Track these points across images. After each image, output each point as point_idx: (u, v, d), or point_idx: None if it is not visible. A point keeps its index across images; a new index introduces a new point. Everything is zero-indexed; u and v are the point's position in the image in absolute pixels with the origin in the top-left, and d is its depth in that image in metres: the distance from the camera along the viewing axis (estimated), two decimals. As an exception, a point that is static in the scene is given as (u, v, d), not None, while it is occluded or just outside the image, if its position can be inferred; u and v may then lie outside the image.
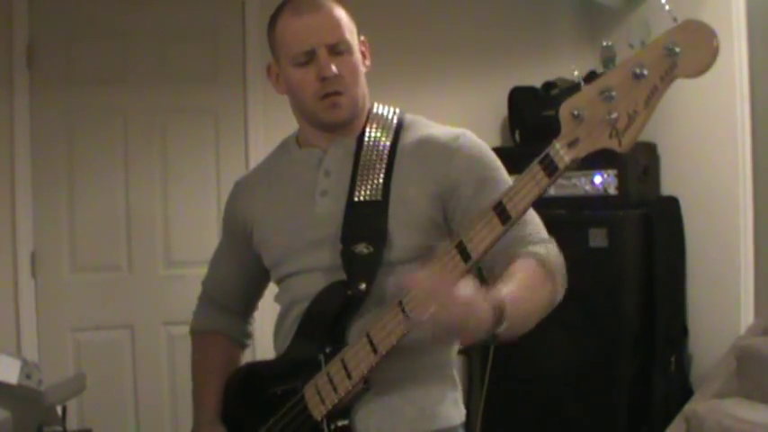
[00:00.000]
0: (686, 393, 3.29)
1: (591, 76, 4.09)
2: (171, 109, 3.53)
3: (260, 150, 3.53)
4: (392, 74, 3.30)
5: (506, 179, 1.50)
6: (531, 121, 3.68)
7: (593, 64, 3.87)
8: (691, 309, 3.48)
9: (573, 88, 4.17)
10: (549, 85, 3.69)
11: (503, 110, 3.83)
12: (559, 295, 1.43)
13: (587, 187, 3.41)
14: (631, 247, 3.36)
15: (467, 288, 1.20)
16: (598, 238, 3.30)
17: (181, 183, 3.53)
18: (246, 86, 3.57)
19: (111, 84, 3.46)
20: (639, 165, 3.40)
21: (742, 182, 3.24)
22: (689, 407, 3.04)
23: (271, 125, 3.52)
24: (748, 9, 3.17)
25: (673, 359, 3.37)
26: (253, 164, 3.49)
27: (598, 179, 3.38)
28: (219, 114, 3.59)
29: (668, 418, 3.10)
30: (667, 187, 3.56)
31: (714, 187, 3.35)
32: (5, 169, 3.31)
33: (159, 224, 3.50)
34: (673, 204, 3.49)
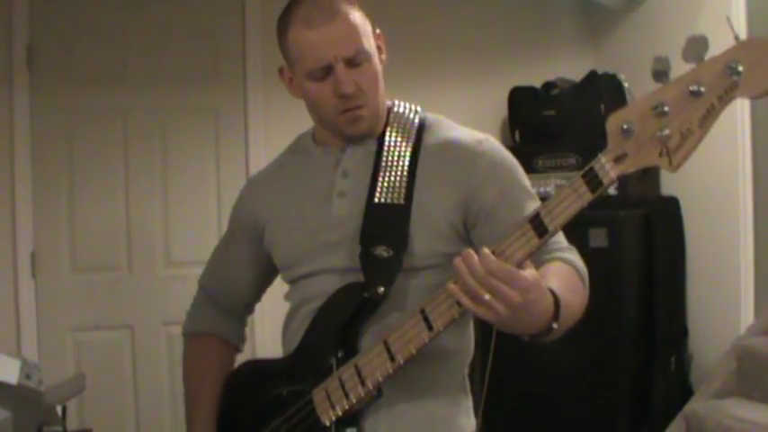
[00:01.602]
0: (686, 393, 3.29)
1: (591, 76, 4.08)
2: (171, 108, 3.52)
3: (260, 150, 3.53)
4: (391, 74, 3.27)
5: (529, 187, 1.46)
6: (530, 121, 3.68)
7: (594, 64, 3.89)
8: (691, 309, 3.48)
9: (573, 88, 4.17)
10: (549, 85, 3.69)
11: (503, 110, 3.82)
12: (585, 304, 1.39)
13: (587, 187, 3.41)
14: (631, 247, 3.36)
15: (531, 270, 1.16)
16: (598, 239, 3.30)
17: (181, 183, 3.52)
18: (246, 86, 3.57)
19: (111, 84, 3.46)
20: (639, 165, 3.40)
21: (742, 182, 3.24)
22: (689, 407, 3.04)
23: (271, 125, 3.52)
24: (748, 9, 3.17)
25: (673, 359, 3.37)
26: (253, 163, 3.50)
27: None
28: (219, 114, 3.59)
29: (668, 418, 3.10)
30: (667, 187, 3.56)
31: (714, 187, 3.35)
32: (5, 169, 3.31)
33: (159, 224, 3.50)
34: (673, 204, 3.49)
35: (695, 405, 3.04)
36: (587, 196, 1.15)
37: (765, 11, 3.19)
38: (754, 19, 3.18)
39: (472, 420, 1.51)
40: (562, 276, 1.32)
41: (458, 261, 1.17)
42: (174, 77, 3.51)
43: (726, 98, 1.04)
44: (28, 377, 1.62)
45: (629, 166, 1.13)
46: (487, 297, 1.13)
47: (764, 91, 1.02)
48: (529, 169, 3.34)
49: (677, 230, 3.48)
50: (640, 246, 3.38)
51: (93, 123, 3.45)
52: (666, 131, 1.08)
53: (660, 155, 1.09)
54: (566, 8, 4.04)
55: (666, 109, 1.07)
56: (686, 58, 1.06)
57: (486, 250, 1.16)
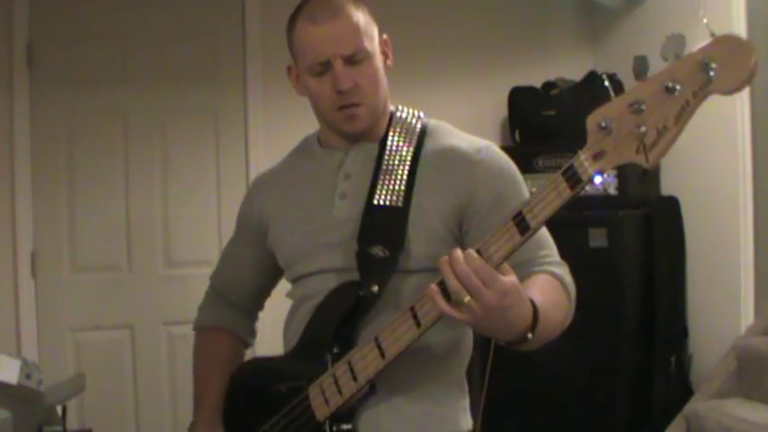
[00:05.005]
0: (686, 393, 3.29)
1: (590, 77, 4.08)
2: (171, 109, 3.53)
3: (260, 150, 3.53)
4: (391, 74, 3.29)
5: (525, 196, 1.46)
6: (530, 121, 3.68)
7: (593, 64, 3.89)
8: (691, 309, 3.48)
9: (573, 88, 4.17)
10: (548, 85, 3.70)
11: (503, 110, 3.83)
12: (569, 321, 1.41)
13: (587, 187, 3.40)
14: (631, 247, 3.36)
15: (511, 276, 1.17)
16: (598, 238, 3.30)
17: (181, 183, 3.52)
18: (246, 86, 3.57)
19: (111, 84, 3.46)
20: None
21: (742, 182, 3.24)
22: (689, 407, 3.04)
23: (271, 125, 3.52)
24: (748, 9, 3.17)
25: (673, 359, 3.37)
26: (253, 163, 3.50)
27: (598, 179, 3.34)
28: (219, 114, 3.59)
29: (668, 418, 3.10)
30: (667, 187, 3.56)
31: (714, 187, 3.35)
32: (5, 169, 3.31)
33: (159, 224, 3.50)
34: (673, 204, 3.49)
35: (695, 405, 3.04)
36: (567, 193, 1.18)
37: (765, 11, 3.19)
38: (754, 19, 3.19)
39: (469, 419, 1.52)
40: (546, 289, 1.34)
41: (444, 260, 1.19)
42: (174, 77, 3.51)
43: (700, 94, 1.06)
44: (28, 377, 1.63)
45: (607, 164, 1.15)
46: (467, 299, 1.15)
47: (737, 87, 1.03)
48: (529, 169, 3.40)
49: (677, 230, 3.48)
50: (640, 246, 3.38)
51: (93, 123, 3.45)
52: (643, 128, 1.09)
53: (637, 151, 1.11)
54: (566, 8, 4.05)
55: (643, 107, 1.09)
56: (664, 56, 1.08)
57: (471, 251, 1.18)
